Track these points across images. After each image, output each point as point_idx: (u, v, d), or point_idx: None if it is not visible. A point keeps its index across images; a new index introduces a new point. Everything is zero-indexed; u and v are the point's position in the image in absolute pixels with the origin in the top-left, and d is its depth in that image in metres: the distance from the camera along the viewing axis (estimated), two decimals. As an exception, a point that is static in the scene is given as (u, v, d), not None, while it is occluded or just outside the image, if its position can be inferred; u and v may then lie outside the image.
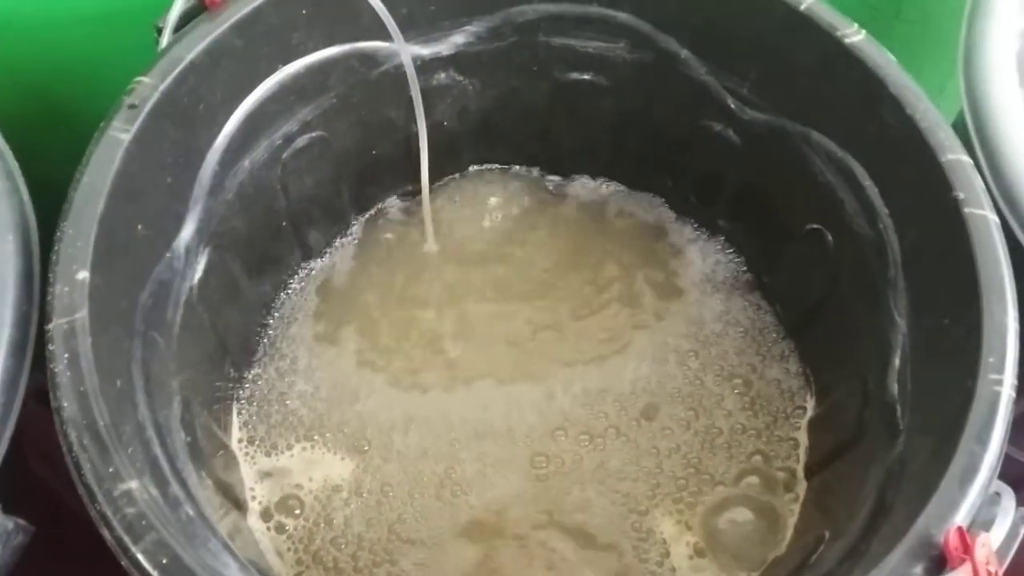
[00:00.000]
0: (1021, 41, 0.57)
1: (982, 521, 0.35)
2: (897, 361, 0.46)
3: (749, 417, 0.56)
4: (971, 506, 0.35)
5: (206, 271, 0.50)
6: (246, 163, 0.52)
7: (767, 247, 0.60)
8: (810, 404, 0.57)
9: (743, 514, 0.53)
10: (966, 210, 0.43)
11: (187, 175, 0.48)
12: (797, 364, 0.58)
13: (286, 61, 0.52)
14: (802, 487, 0.54)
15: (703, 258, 0.63)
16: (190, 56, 0.46)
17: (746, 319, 0.60)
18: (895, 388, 0.46)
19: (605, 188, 0.66)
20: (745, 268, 0.63)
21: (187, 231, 0.48)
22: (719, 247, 0.64)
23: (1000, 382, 0.38)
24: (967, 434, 0.37)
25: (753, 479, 0.54)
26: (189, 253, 0.49)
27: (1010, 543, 0.34)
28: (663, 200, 0.66)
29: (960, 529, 0.34)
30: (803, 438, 0.55)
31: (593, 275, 0.62)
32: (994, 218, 0.43)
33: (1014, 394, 0.38)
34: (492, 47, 0.58)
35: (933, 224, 0.45)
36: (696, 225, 0.65)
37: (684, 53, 0.56)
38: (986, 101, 0.50)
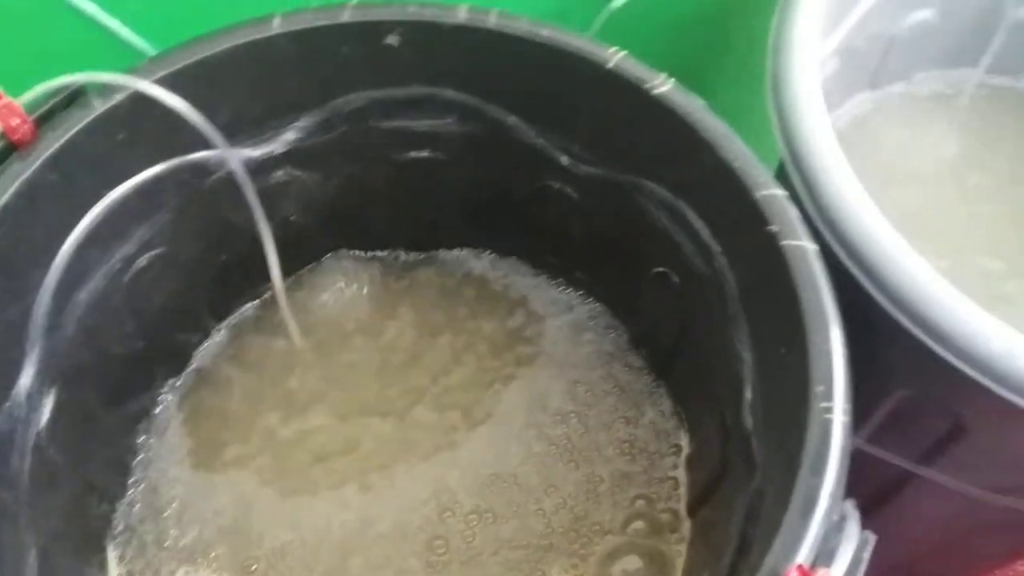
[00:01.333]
0: (826, 68, 0.60)
1: (828, 551, 0.36)
2: (749, 394, 0.48)
3: (628, 462, 0.57)
4: (813, 539, 0.35)
5: (55, 412, 0.49)
6: (82, 296, 0.51)
7: (625, 294, 0.61)
8: (685, 442, 0.58)
9: (633, 562, 0.53)
10: (783, 242, 0.44)
11: (18, 321, 0.47)
12: (669, 404, 0.59)
13: (111, 187, 0.51)
14: (686, 527, 0.54)
15: (569, 313, 0.64)
16: (2, 201, 0.45)
17: (618, 367, 0.61)
18: (749, 421, 0.47)
19: (464, 257, 0.67)
20: (610, 317, 0.64)
21: (26, 377, 0.47)
22: (582, 300, 0.65)
23: (830, 409, 0.39)
24: (804, 465, 0.37)
25: (639, 524, 0.55)
26: (32, 398, 0.47)
27: (854, 571, 0.35)
28: (523, 261, 0.66)
29: (800, 567, 0.34)
30: (682, 476, 0.56)
31: (462, 346, 0.62)
32: (812, 246, 0.44)
33: (847, 419, 0.39)
34: (325, 139, 0.58)
35: (757, 258, 0.46)
36: (559, 282, 0.65)
37: (512, 119, 0.57)
38: (797, 131, 0.51)
